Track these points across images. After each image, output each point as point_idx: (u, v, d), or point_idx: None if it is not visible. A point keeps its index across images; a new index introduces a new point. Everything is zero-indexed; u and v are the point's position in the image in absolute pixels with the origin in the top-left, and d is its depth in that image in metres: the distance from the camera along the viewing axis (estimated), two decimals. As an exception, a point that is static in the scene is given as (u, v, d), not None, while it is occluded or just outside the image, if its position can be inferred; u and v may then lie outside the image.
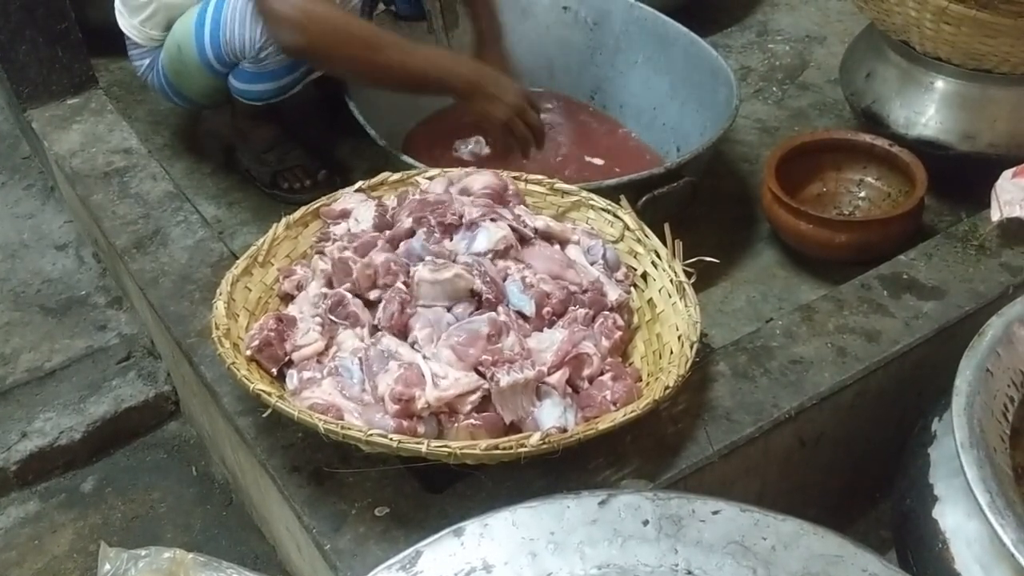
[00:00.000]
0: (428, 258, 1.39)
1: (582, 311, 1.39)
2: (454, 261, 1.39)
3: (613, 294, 1.43)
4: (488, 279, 1.36)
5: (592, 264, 1.47)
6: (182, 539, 1.67)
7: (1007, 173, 1.64)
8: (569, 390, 1.29)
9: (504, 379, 1.23)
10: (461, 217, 1.43)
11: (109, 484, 1.77)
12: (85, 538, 1.69)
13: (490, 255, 1.41)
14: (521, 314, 1.37)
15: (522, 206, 1.53)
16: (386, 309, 1.35)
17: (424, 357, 1.28)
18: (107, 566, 1.53)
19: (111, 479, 1.78)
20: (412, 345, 1.32)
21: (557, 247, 1.49)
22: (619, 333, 1.39)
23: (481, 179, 1.52)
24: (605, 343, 1.36)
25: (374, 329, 1.36)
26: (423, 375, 1.24)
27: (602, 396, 1.28)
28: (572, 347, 1.31)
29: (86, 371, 1.87)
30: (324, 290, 1.40)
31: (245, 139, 2.09)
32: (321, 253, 1.47)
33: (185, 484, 1.77)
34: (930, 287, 1.54)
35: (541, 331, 1.36)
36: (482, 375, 1.25)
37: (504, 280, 1.39)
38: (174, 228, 1.73)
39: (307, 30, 1.66)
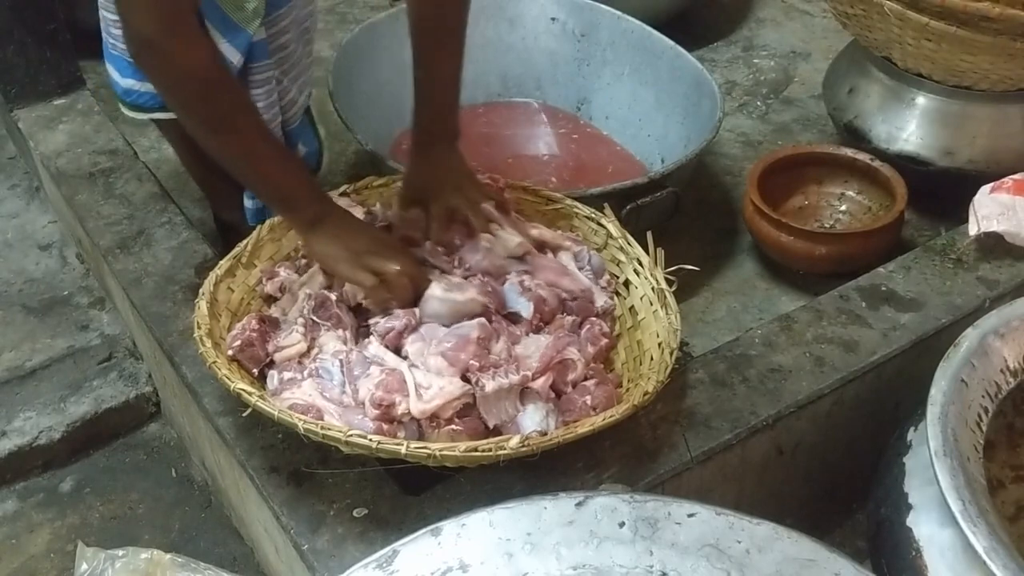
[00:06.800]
0: (443, 275, 1.40)
1: (569, 318, 1.40)
2: (460, 267, 1.41)
3: (600, 301, 1.45)
4: (490, 289, 1.38)
5: (580, 270, 1.49)
6: (160, 540, 1.66)
7: (985, 188, 1.67)
8: (553, 395, 1.30)
9: (489, 384, 1.24)
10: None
11: (88, 484, 1.77)
12: (63, 538, 1.68)
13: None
14: (514, 318, 1.38)
15: (515, 214, 1.54)
16: (388, 322, 1.33)
17: (411, 366, 1.28)
18: (84, 566, 1.53)
19: (90, 479, 1.77)
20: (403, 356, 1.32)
21: (551, 254, 1.50)
22: (604, 340, 1.40)
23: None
24: (590, 349, 1.37)
25: (356, 331, 1.37)
26: (405, 382, 1.25)
27: (583, 401, 1.29)
28: (556, 353, 1.32)
29: (67, 371, 1.86)
30: (308, 291, 1.40)
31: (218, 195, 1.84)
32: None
33: (164, 485, 1.77)
34: (908, 299, 1.55)
35: (528, 336, 1.37)
36: (468, 380, 1.26)
37: (503, 284, 1.41)
38: (158, 229, 1.73)
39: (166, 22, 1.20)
